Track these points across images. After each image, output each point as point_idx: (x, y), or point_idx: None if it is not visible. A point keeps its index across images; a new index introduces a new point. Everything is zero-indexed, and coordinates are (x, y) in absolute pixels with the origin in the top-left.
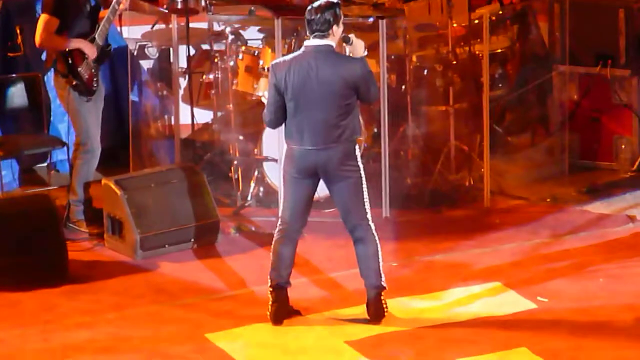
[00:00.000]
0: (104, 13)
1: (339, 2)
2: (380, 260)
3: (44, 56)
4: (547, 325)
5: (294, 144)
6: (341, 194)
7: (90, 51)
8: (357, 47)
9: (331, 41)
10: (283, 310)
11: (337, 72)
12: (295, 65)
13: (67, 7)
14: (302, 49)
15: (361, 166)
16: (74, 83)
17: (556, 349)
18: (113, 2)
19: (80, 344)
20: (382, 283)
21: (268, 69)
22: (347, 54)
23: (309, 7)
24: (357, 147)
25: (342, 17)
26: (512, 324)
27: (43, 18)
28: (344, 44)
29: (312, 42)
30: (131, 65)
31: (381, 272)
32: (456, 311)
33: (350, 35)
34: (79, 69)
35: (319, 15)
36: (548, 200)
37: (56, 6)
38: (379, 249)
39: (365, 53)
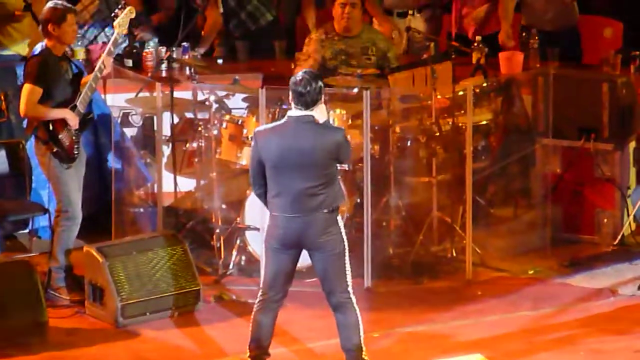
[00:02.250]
0: (87, 79)
1: None
2: (362, 332)
3: (25, 123)
4: None
5: (276, 211)
6: (322, 264)
7: (73, 120)
8: (321, 111)
9: (313, 112)
10: None
11: (319, 142)
12: (276, 135)
13: (49, 75)
14: (285, 118)
15: (344, 236)
16: (55, 150)
17: None
18: (95, 70)
19: None
20: (363, 355)
21: (252, 137)
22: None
23: (297, 80)
24: (339, 217)
25: None
26: None
27: (26, 88)
28: None
29: (294, 112)
30: (115, 133)
31: (362, 344)
32: None
33: None
34: (60, 136)
35: (313, 86)
36: (530, 272)
37: (39, 75)
38: (360, 320)
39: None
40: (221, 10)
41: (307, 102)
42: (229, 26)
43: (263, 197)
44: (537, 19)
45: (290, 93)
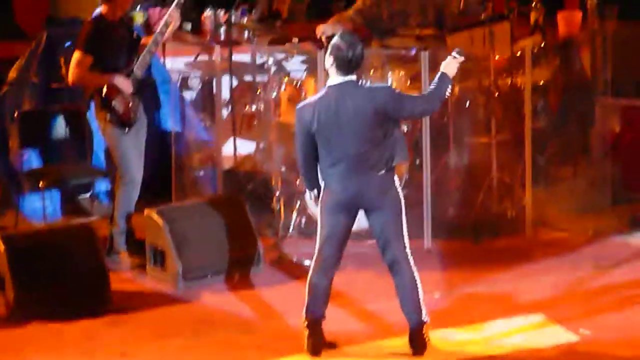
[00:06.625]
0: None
1: None
2: (421, 292)
3: None
4: (590, 358)
5: (331, 181)
6: (379, 225)
7: (125, 86)
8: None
9: (352, 76)
10: (319, 343)
11: (364, 103)
12: (321, 106)
13: (100, 42)
14: (325, 89)
15: (401, 196)
16: (108, 116)
17: None
18: (155, 34)
19: None
20: (423, 316)
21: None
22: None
23: (340, 44)
24: (396, 177)
25: None
26: (554, 356)
27: (76, 55)
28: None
29: (335, 80)
30: (174, 96)
31: (421, 304)
32: (498, 343)
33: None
34: (113, 102)
35: (357, 51)
36: (590, 232)
37: (88, 42)
38: (418, 281)
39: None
40: None
41: (353, 66)
42: None
43: (309, 174)
44: None
45: (332, 58)
